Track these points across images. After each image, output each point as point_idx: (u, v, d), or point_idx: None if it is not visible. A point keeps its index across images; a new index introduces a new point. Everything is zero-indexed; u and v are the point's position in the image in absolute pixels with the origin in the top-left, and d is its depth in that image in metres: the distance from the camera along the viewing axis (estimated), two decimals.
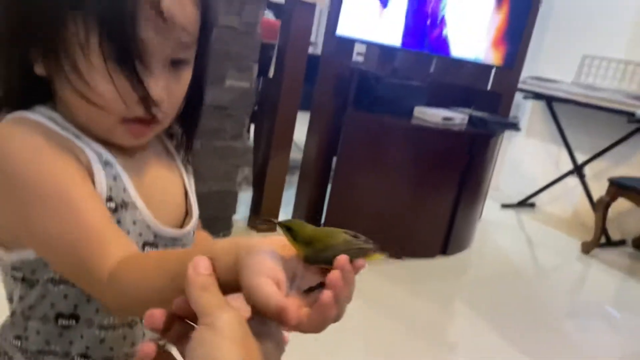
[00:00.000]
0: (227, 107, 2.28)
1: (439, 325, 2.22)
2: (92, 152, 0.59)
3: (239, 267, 0.41)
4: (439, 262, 2.73)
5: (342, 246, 0.47)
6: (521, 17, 2.91)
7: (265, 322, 0.42)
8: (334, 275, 0.42)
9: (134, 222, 0.62)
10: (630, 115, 3.15)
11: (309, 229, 0.48)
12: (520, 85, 3.51)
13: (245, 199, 2.67)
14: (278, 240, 0.49)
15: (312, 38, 3.99)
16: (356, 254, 0.45)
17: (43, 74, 0.58)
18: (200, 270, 0.42)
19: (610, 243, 3.39)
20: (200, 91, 0.67)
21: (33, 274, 0.60)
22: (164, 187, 0.69)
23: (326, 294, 0.41)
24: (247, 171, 2.86)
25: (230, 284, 0.42)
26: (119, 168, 0.61)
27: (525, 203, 3.91)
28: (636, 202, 3.01)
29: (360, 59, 3.41)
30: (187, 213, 0.71)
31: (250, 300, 0.40)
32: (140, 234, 0.63)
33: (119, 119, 0.58)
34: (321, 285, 0.44)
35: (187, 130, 0.72)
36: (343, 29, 2.40)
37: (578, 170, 3.61)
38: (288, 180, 2.71)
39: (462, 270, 2.80)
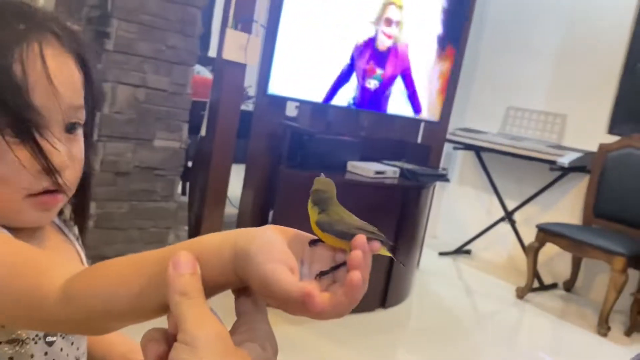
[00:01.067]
0: (157, 167, 2.24)
1: None
2: None
3: (242, 258, 0.38)
4: (379, 316, 2.72)
5: (359, 224, 0.45)
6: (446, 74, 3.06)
7: (254, 327, 0.40)
8: (357, 254, 0.38)
9: None
10: (552, 164, 3.32)
11: (332, 195, 0.47)
12: (449, 137, 3.66)
13: None
14: (275, 227, 0.44)
15: (253, 92, 4.03)
16: (370, 237, 0.42)
17: None
18: (182, 269, 0.38)
19: (543, 287, 3.50)
20: (88, 154, 0.65)
21: None
22: None
23: (355, 274, 0.37)
24: (181, 230, 2.79)
25: (219, 283, 0.39)
26: None
27: (461, 250, 4.00)
28: (563, 246, 3.14)
29: (296, 112, 3.46)
30: None
31: (264, 290, 0.37)
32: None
33: (24, 195, 0.56)
34: (333, 269, 0.42)
35: (79, 200, 0.68)
36: (274, 88, 2.44)
37: (509, 216, 3.75)
38: None
39: (402, 322, 2.80)
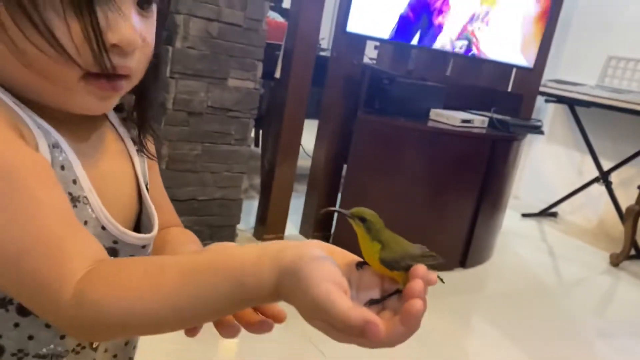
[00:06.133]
0: (231, 108, 2.13)
1: (456, 344, 2.05)
2: (38, 128, 0.46)
3: (291, 274, 0.36)
4: (457, 275, 2.55)
5: (418, 252, 0.44)
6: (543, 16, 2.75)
7: None
8: (418, 284, 0.37)
9: (85, 223, 0.48)
10: None
11: (382, 225, 0.45)
12: (540, 89, 3.33)
13: (248, 207, 2.52)
14: (322, 244, 0.43)
15: (326, 45, 3.84)
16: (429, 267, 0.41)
17: None
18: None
19: None
20: (158, 43, 0.55)
21: None
22: (117, 178, 0.56)
23: (417, 303, 0.35)
24: (254, 178, 2.71)
25: (251, 298, 0.39)
26: (69, 152, 0.48)
27: (546, 212, 3.71)
28: None
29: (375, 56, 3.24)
30: (141, 212, 0.58)
31: (314, 313, 0.35)
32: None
33: (81, 73, 0.46)
34: (385, 298, 0.42)
35: (142, 95, 0.58)
36: (354, 26, 2.25)
37: (604, 177, 3.41)
38: (296, 189, 2.55)
39: (482, 284, 2.62)
